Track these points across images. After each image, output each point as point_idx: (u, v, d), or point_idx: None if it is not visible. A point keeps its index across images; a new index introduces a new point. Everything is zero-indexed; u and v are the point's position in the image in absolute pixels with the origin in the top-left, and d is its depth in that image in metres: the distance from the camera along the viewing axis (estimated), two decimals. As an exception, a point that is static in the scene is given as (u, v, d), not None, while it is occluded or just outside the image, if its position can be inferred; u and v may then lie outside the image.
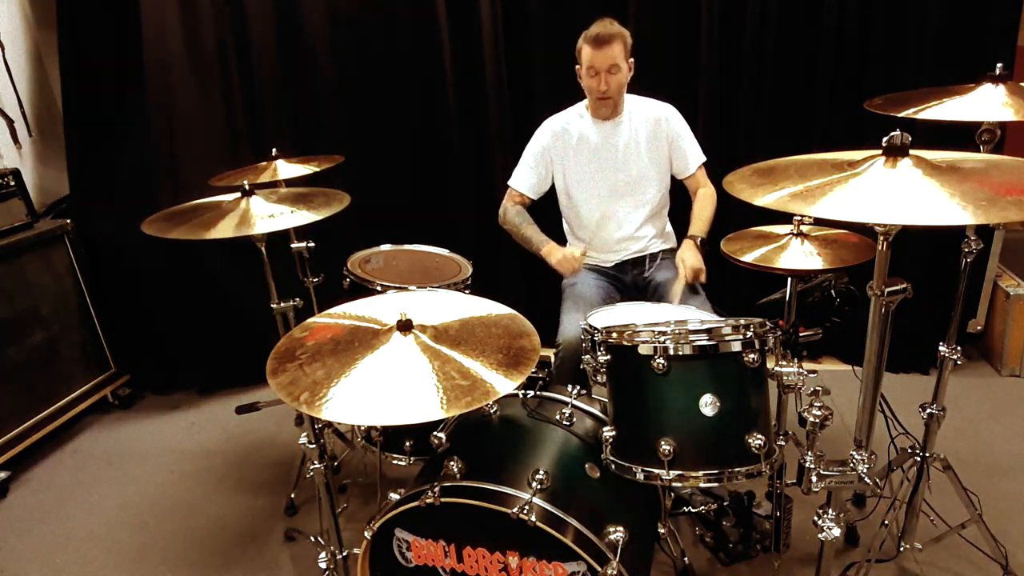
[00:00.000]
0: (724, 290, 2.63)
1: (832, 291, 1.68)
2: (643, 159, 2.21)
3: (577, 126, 2.23)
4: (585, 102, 2.25)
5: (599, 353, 1.51)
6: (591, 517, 1.36)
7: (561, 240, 2.39)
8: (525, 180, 2.29)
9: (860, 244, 1.69)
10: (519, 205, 2.31)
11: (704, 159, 2.27)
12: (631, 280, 2.29)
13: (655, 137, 2.21)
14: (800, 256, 1.68)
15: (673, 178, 2.30)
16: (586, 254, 2.18)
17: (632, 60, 2.12)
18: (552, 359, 2.01)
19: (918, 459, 1.78)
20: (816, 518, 1.28)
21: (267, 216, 1.67)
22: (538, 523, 1.27)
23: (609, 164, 2.21)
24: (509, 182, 2.33)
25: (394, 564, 1.48)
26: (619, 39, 2.04)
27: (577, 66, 2.15)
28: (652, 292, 2.21)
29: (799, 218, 1.74)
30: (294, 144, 2.74)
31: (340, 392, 1.13)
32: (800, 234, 1.73)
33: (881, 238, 1.08)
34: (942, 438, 1.76)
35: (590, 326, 1.59)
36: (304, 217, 1.67)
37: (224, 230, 1.62)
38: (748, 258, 1.71)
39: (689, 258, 2.06)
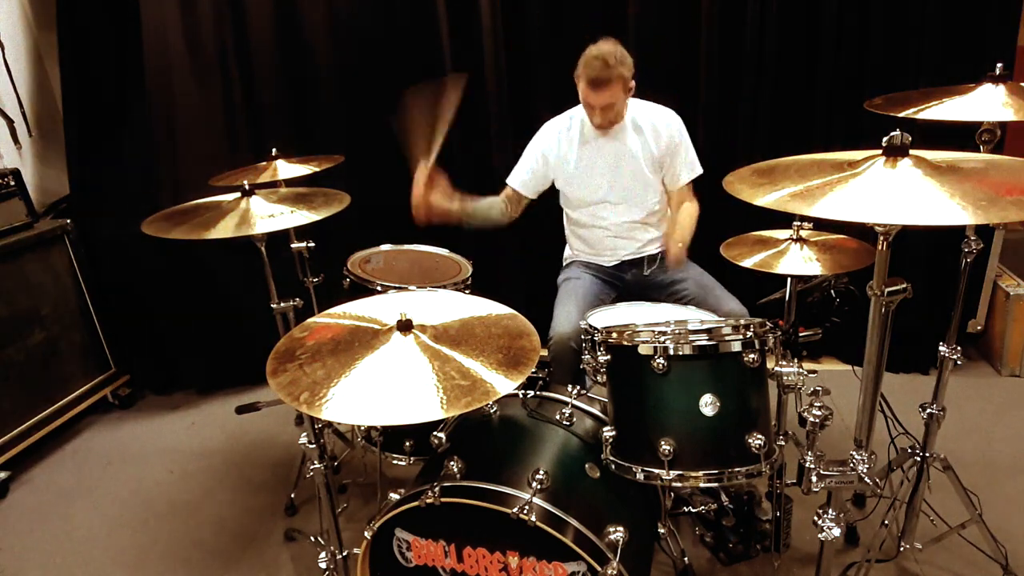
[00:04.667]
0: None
1: (832, 291, 1.68)
2: (641, 165, 2.18)
3: (577, 129, 2.21)
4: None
5: (599, 353, 1.51)
6: (591, 517, 1.36)
7: (561, 240, 2.40)
8: (518, 176, 2.28)
9: (859, 249, 1.70)
10: (509, 198, 2.29)
11: (699, 172, 2.21)
12: (631, 278, 2.29)
13: (655, 144, 2.18)
14: (799, 261, 1.68)
15: None
16: (429, 192, 2.03)
17: (633, 82, 2.06)
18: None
19: (918, 459, 1.78)
20: (816, 518, 1.28)
21: (267, 216, 1.67)
22: (538, 523, 1.27)
23: (607, 169, 2.18)
24: (508, 180, 2.31)
25: (394, 564, 1.48)
26: (617, 81, 1.97)
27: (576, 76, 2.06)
28: (661, 290, 2.20)
29: (798, 223, 1.74)
30: (294, 144, 2.74)
31: (340, 392, 1.13)
32: (799, 239, 1.74)
33: (881, 238, 1.08)
34: (942, 438, 1.76)
35: (590, 326, 1.60)
36: (304, 217, 1.67)
37: (224, 230, 1.62)
38: (747, 263, 1.71)
39: (675, 246, 2.03)
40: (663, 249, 2.18)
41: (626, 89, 2.05)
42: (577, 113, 2.23)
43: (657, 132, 2.18)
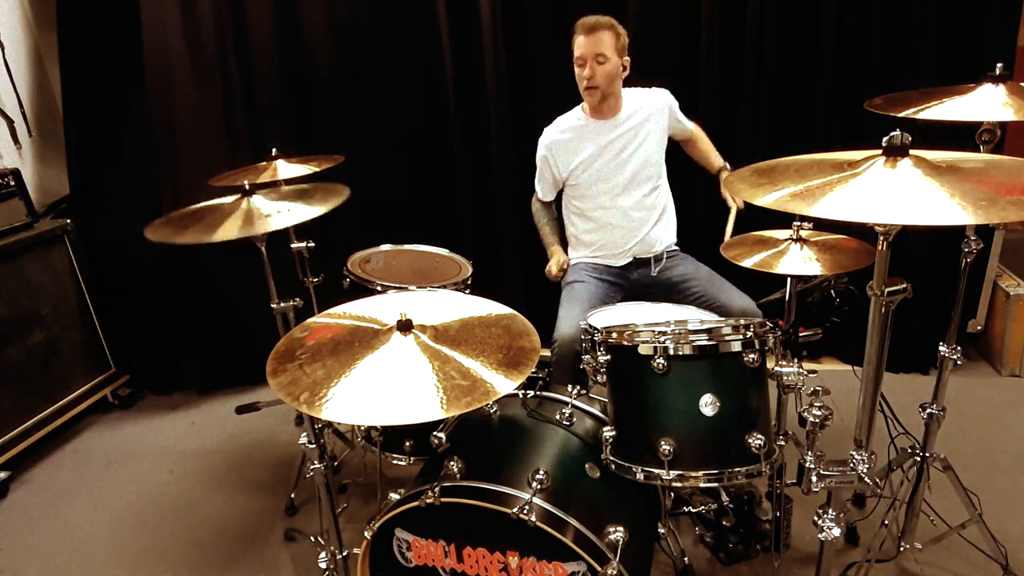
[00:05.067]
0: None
1: (832, 291, 1.68)
2: (643, 154, 2.21)
3: (575, 129, 2.24)
4: (580, 105, 2.26)
5: (599, 353, 1.51)
6: (591, 517, 1.36)
7: (561, 240, 2.41)
8: (539, 187, 2.40)
9: (859, 249, 1.70)
10: (546, 203, 2.43)
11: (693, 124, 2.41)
12: (637, 278, 2.28)
13: (656, 126, 2.23)
14: (799, 261, 1.68)
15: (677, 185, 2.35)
16: (563, 270, 2.30)
17: (628, 59, 2.13)
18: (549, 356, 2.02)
19: (918, 459, 1.78)
20: (816, 518, 1.28)
21: (270, 214, 1.65)
22: (538, 523, 1.27)
23: (610, 164, 2.21)
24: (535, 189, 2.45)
25: (394, 564, 1.48)
26: (609, 29, 2.08)
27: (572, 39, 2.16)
28: (670, 289, 2.21)
29: (798, 223, 1.74)
30: (294, 144, 2.74)
31: (340, 392, 1.13)
32: (799, 239, 1.74)
33: (881, 238, 1.08)
34: (942, 438, 1.76)
35: (590, 326, 1.59)
36: (306, 212, 1.65)
37: (228, 232, 1.59)
38: (747, 263, 1.71)
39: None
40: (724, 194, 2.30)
41: (618, 50, 2.11)
42: (575, 113, 2.27)
43: (656, 113, 2.24)
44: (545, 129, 2.31)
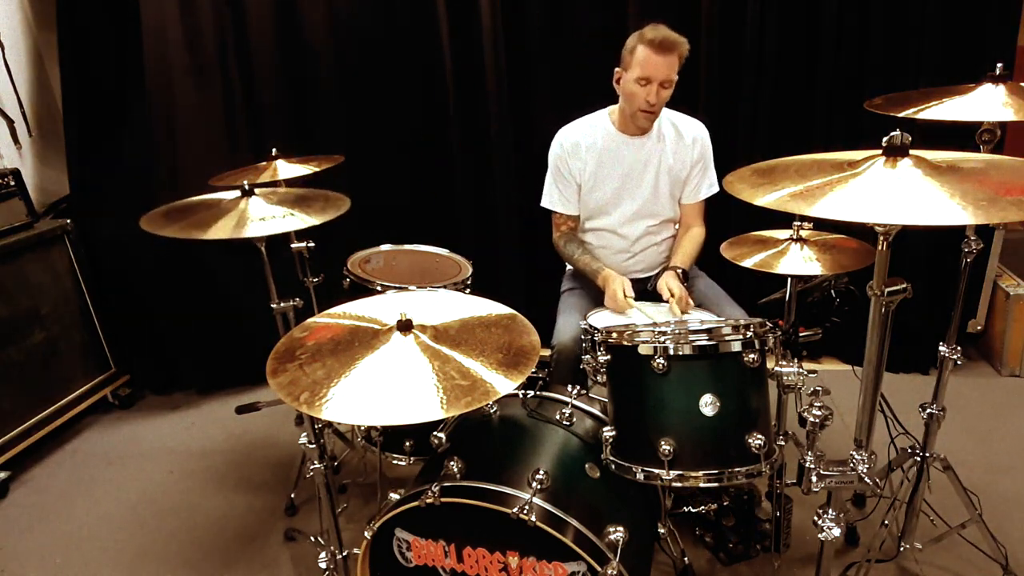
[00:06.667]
0: (724, 290, 2.63)
1: (832, 291, 1.68)
2: (666, 177, 2.09)
3: (596, 139, 2.07)
4: (606, 112, 2.12)
5: (599, 353, 1.51)
6: (591, 517, 1.36)
7: None
8: (559, 200, 2.15)
9: (859, 249, 1.70)
10: (568, 231, 2.19)
11: (716, 190, 2.13)
12: (635, 289, 2.25)
13: (681, 156, 2.09)
14: (799, 261, 1.68)
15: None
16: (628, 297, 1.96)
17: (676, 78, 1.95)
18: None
19: (918, 459, 1.78)
20: (816, 518, 1.28)
21: (265, 218, 1.65)
22: (538, 523, 1.27)
23: (630, 181, 2.08)
24: (544, 204, 2.19)
25: (394, 564, 1.49)
26: (680, 50, 1.88)
27: (618, 68, 1.98)
28: (654, 294, 2.16)
29: (798, 223, 1.74)
30: (294, 144, 2.74)
31: (340, 392, 1.13)
32: (799, 239, 1.74)
33: (881, 238, 1.08)
34: (942, 438, 1.76)
35: (590, 326, 1.59)
36: (301, 221, 1.65)
37: (219, 231, 1.60)
38: (748, 263, 1.71)
39: (676, 288, 1.94)
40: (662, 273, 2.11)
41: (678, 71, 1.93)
42: (593, 120, 2.12)
43: (684, 144, 2.09)
44: (564, 128, 2.14)
